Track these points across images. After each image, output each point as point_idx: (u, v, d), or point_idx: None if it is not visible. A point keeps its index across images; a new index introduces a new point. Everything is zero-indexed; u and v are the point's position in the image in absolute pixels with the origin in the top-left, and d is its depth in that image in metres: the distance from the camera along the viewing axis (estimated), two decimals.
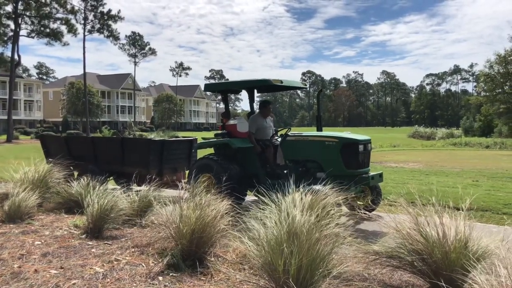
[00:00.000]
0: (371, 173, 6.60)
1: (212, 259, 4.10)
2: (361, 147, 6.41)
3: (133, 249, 4.45)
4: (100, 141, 10.06)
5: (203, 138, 8.19)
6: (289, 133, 7.00)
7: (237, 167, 7.06)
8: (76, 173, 8.66)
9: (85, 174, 7.69)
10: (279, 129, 7.91)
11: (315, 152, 6.61)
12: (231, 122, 7.83)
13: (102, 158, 8.74)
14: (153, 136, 9.74)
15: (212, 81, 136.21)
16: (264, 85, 7.30)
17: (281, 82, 6.95)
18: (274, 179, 6.71)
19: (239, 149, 7.15)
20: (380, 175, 6.77)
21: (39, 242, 4.68)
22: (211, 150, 7.84)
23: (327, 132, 7.21)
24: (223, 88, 8.34)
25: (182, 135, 11.79)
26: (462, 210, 3.53)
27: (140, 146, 8.53)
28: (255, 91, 8.27)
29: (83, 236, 4.96)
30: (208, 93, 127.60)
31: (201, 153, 8.38)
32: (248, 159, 7.19)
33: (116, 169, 8.52)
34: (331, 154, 6.40)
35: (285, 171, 6.93)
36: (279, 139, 7.38)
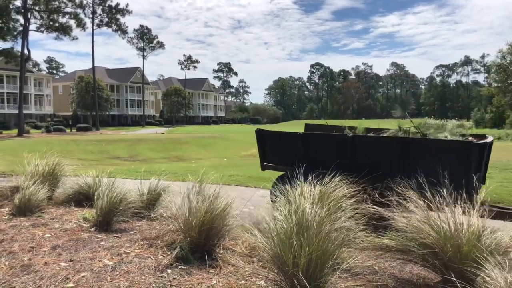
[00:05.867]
0: None
1: (221, 251, 4.09)
2: None
3: (142, 242, 4.46)
4: (365, 141, 6.21)
5: None
6: None
7: None
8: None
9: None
10: None
11: None
12: None
13: (367, 166, 5.67)
14: (445, 135, 6.04)
15: (220, 74, 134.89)
16: None
17: None
18: None
19: None
20: None
21: (49, 235, 4.71)
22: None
23: None
24: None
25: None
26: (476, 202, 3.46)
27: (442, 151, 5.28)
28: None
29: (92, 229, 4.97)
30: (216, 86, 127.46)
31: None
32: None
33: (390, 183, 4.72)
34: None
35: None
36: None
